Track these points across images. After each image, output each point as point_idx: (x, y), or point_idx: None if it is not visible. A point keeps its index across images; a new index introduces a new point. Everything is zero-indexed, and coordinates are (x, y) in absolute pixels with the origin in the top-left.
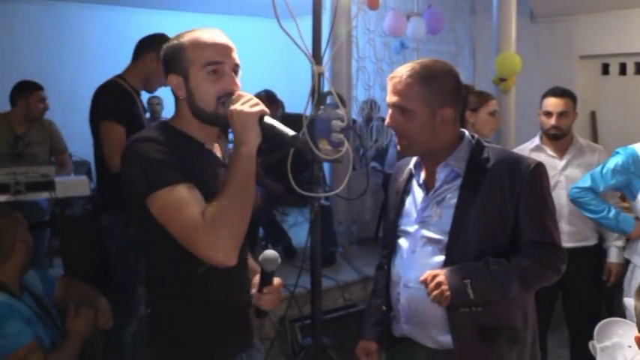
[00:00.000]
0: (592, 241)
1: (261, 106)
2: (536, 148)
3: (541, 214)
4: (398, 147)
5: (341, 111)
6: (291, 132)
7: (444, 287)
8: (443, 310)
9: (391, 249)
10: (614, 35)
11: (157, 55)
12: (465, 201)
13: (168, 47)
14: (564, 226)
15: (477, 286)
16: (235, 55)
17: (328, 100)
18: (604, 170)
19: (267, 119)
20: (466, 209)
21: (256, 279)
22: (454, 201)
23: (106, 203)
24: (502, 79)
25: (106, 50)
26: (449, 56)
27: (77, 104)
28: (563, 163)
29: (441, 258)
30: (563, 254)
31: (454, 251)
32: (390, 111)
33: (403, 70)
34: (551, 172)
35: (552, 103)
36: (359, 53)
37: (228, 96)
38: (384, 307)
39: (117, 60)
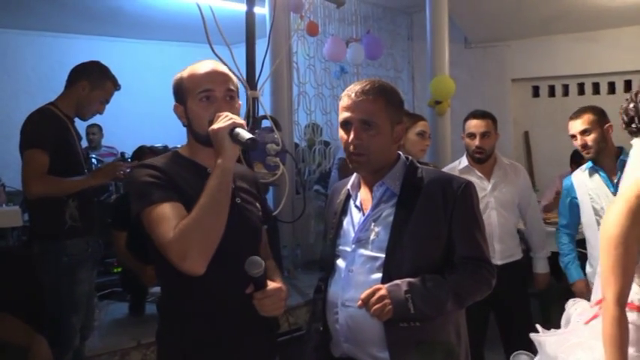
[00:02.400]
0: (518, 256)
1: (232, 120)
2: (466, 170)
3: (472, 231)
4: (352, 165)
5: (276, 134)
6: (247, 135)
7: (387, 301)
8: (381, 327)
9: (329, 270)
10: (543, 59)
11: (90, 82)
12: (401, 219)
13: (173, 81)
14: (496, 245)
15: (417, 301)
16: (228, 81)
17: (264, 124)
18: (560, 207)
19: (237, 130)
20: (402, 227)
21: (250, 289)
22: (390, 219)
23: (36, 232)
24: (437, 102)
25: (43, 77)
26: (388, 80)
27: (11, 132)
28: (490, 185)
29: (378, 275)
30: (493, 269)
31: (391, 268)
32: (354, 127)
33: (366, 87)
34: (481, 194)
35: (475, 125)
36: (299, 78)
37: None
38: (321, 328)
39: (53, 87)
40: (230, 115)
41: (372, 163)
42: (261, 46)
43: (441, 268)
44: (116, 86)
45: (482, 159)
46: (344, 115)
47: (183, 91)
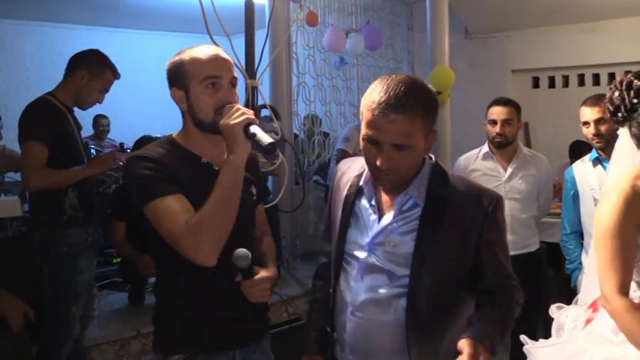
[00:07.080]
0: (533, 247)
1: (246, 116)
2: (486, 156)
3: (501, 253)
4: (376, 180)
5: (275, 124)
6: (268, 139)
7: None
8: (390, 340)
9: (337, 271)
10: (543, 50)
11: (89, 71)
12: (426, 236)
13: (170, 64)
14: (508, 236)
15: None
16: (232, 68)
17: (263, 114)
18: (564, 200)
19: (252, 128)
20: (427, 243)
21: (239, 277)
22: (414, 233)
23: (36, 222)
24: (437, 93)
25: (42, 67)
26: (388, 71)
27: (10, 123)
28: (507, 173)
29: (392, 291)
30: (518, 284)
31: (417, 285)
32: (385, 150)
33: (400, 101)
34: (496, 182)
35: (497, 112)
36: (299, 69)
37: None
38: (328, 329)
39: (52, 77)
40: (243, 109)
41: (400, 180)
42: (260, 37)
43: (463, 287)
44: (115, 75)
45: (503, 143)
46: (370, 132)
47: (184, 76)
